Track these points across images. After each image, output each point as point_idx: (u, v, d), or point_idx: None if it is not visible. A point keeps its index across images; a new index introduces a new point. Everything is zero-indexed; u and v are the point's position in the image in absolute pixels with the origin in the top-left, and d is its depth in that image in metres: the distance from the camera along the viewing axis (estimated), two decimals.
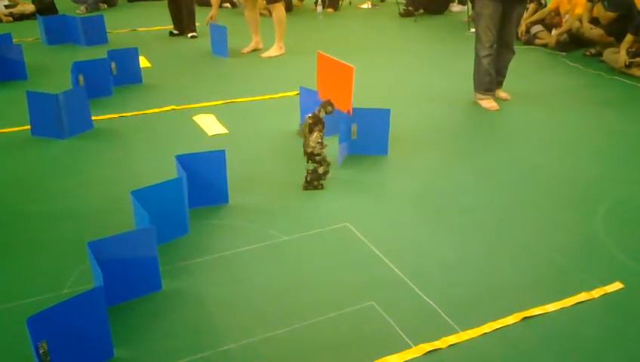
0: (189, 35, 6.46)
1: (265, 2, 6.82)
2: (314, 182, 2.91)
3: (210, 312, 2.06)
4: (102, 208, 2.74)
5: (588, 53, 5.71)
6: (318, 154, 2.86)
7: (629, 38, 5.09)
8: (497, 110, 4.15)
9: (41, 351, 1.62)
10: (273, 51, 5.67)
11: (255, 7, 5.68)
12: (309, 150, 2.85)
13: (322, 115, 2.83)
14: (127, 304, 2.09)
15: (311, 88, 3.50)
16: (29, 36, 6.15)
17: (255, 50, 5.82)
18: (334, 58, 3.02)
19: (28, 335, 1.60)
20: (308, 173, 2.91)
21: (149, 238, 2.07)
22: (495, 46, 4.10)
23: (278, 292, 2.17)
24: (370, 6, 8.67)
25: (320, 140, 2.84)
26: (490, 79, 4.18)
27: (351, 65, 2.87)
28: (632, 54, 5.06)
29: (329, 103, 2.84)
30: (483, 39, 4.08)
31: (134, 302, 2.10)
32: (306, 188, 2.92)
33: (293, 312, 2.05)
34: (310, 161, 2.89)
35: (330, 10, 8.27)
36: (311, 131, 2.83)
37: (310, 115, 2.85)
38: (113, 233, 2.06)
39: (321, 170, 2.90)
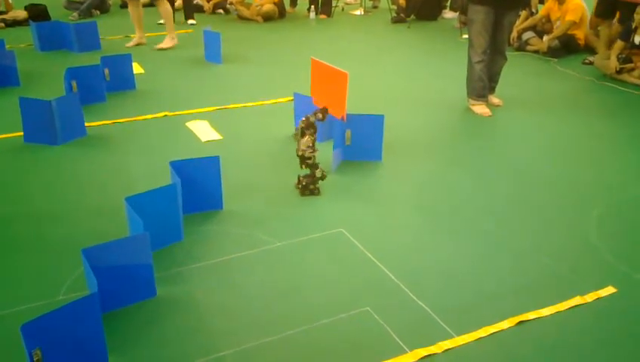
0: (189, 22, 7.29)
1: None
2: (310, 186, 2.91)
3: (204, 318, 2.05)
4: (96, 214, 2.73)
5: (587, 61, 5.73)
6: (309, 158, 2.87)
7: (619, 44, 5.15)
8: (490, 116, 4.18)
9: (35, 359, 1.61)
10: (166, 43, 6.05)
11: (139, 3, 5.99)
12: (300, 153, 2.86)
13: (313, 119, 2.84)
14: (122, 310, 2.08)
15: (305, 94, 3.51)
16: (21, 42, 6.14)
17: (139, 44, 6.15)
18: (328, 64, 3.03)
19: (22, 342, 1.59)
20: (301, 178, 2.91)
21: (143, 245, 2.07)
22: (488, 52, 4.13)
23: (273, 298, 2.17)
24: (362, 12, 8.70)
25: (311, 144, 2.85)
26: (482, 85, 4.21)
27: (345, 72, 2.88)
28: (622, 60, 5.11)
29: (322, 111, 2.86)
30: (475, 45, 4.11)
31: (129, 308, 2.09)
32: (302, 193, 2.92)
33: (288, 318, 2.05)
34: (304, 166, 2.89)
35: (323, 16, 8.30)
36: (302, 135, 2.84)
37: (304, 118, 2.86)
38: (107, 239, 2.06)
39: (318, 174, 2.90)
